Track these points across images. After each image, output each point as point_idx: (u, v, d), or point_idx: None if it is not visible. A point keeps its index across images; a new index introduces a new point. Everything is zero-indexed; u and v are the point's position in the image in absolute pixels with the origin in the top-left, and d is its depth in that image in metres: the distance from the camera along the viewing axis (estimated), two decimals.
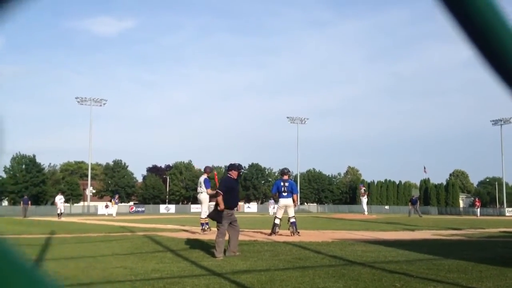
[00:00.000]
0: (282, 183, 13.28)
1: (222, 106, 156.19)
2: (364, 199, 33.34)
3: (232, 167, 9.71)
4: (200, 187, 14.47)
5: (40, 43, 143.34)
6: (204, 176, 14.50)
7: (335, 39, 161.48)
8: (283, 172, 13.52)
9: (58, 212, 34.82)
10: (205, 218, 14.14)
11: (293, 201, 13.48)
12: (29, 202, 40.56)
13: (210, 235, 13.25)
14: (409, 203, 42.58)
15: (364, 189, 34.32)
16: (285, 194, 13.19)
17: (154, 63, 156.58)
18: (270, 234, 12.99)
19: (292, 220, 13.25)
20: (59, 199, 36.57)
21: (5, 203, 68.87)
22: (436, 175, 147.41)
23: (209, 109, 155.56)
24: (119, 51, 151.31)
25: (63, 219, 31.87)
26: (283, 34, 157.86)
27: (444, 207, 74.50)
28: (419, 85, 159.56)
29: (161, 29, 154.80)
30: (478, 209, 52.55)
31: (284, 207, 13.13)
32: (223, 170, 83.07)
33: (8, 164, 66.44)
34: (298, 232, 13.12)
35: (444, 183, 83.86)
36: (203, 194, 14.25)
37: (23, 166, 65.99)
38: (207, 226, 14.19)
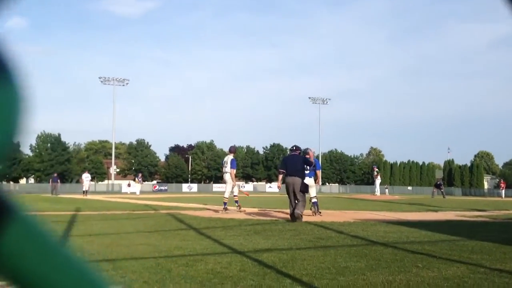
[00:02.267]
0: None
1: (244, 86, 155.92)
2: (378, 180, 33.37)
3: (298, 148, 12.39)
4: (225, 167, 14.56)
5: (64, 24, 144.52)
6: (231, 156, 14.57)
7: (358, 19, 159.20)
8: (305, 151, 12.58)
9: (84, 189, 35.54)
10: (228, 197, 14.27)
11: (316, 177, 13.35)
12: (59, 180, 41.21)
13: (232, 214, 13.36)
14: (434, 186, 42.26)
15: (377, 171, 34.24)
16: (307, 172, 12.47)
17: (176, 43, 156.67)
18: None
19: (314, 200, 13.24)
20: (86, 177, 37.29)
21: (31, 180, 70.30)
22: (461, 156, 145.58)
23: (231, 89, 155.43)
24: (141, 31, 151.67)
25: (88, 196, 32.44)
26: (303, 13, 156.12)
27: (468, 188, 73.69)
28: (443, 65, 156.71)
29: (182, 9, 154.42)
30: (503, 191, 51.93)
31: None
32: (245, 151, 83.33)
33: (33, 143, 67.69)
34: (320, 212, 13.13)
35: (469, 164, 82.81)
36: (228, 174, 14.36)
37: (49, 145, 67.15)
38: (237, 204, 14.30)
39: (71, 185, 59.79)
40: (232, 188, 14.44)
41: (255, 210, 15.39)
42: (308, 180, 12.45)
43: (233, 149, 15.21)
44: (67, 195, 36.96)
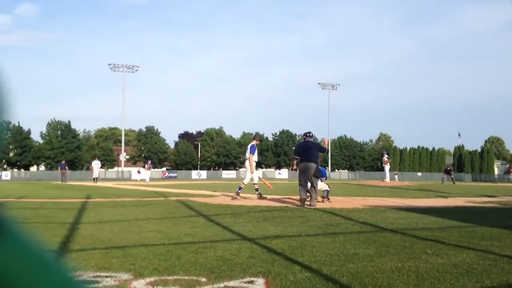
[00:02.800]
0: None
1: (253, 72, 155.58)
2: (387, 167, 33.21)
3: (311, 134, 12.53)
4: (245, 153, 14.65)
5: (73, 10, 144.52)
6: (252, 143, 14.55)
7: (367, 3, 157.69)
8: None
9: (94, 176, 35.78)
10: (246, 184, 14.20)
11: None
12: (67, 167, 41.45)
13: (241, 201, 13.38)
14: (443, 172, 42.08)
15: (387, 157, 34.05)
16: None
17: (184, 30, 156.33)
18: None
19: (326, 188, 13.26)
20: (96, 164, 37.50)
21: (42, 168, 70.83)
22: (471, 141, 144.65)
23: (240, 75, 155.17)
24: (150, 17, 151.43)
25: (98, 183, 32.66)
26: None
27: (479, 174, 73.25)
28: (453, 50, 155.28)
29: None
30: None
31: None
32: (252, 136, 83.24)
33: (44, 130, 68.11)
34: (329, 199, 13.12)
35: (479, 149, 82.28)
36: (247, 161, 14.36)
37: (59, 132, 67.47)
38: (257, 192, 14.20)
39: (81, 172, 60.21)
40: (252, 174, 14.20)
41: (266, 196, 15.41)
42: (319, 184, 12.59)
43: (257, 137, 15.25)
44: (77, 182, 37.26)
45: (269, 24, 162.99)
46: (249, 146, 14.42)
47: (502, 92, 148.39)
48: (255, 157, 14.06)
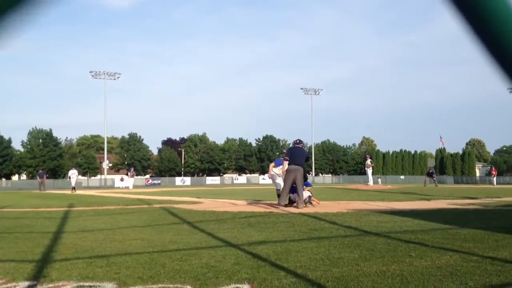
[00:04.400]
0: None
1: (236, 79, 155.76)
2: (370, 170, 33.48)
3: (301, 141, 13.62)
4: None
5: (54, 18, 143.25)
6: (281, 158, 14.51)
7: (346, 11, 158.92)
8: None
9: (72, 185, 34.82)
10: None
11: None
12: (45, 176, 40.92)
13: (227, 207, 13.33)
14: (426, 175, 42.48)
15: (370, 161, 34.33)
16: None
17: (166, 38, 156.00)
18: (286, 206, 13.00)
19: (308, 194, 13.36)
20: (72, 173, 36.47)
21: (23, 177, 69.96)
22: (452, 144, 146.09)
23: (223, 82, 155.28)
24: (131, 25, 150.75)
25: (77, 192, 32.08)
26: (294, 7, 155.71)
27: (460, 176, 74.10)
28: (433, 54, 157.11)
29: (174, 2, 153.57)
30: (495, 178, 52.30)
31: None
32: (237, 143, 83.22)
33: (25, 139, 67.32)
34: (311, 203, 13.18)
35: (461, 152, 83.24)
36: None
37: (40, 141, 66.77)
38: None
39: (63, 181, 59.51)
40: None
41: (249, 202, 15.41)
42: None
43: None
44: (58, 191, 36.81)
45: (251, 31, 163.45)
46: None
47: (482, 95, 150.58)
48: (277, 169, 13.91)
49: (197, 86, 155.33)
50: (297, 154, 12.86)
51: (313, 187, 14.61)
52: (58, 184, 51.65)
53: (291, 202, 12.90)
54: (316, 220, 9.30)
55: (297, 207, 12.18)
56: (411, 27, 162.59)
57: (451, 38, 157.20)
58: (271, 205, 13.40)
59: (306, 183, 13.36)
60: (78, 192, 32.86)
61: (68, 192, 32.87)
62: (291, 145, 14.60)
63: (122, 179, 49.14)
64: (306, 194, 13.17)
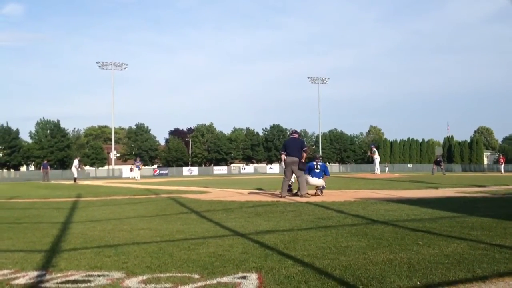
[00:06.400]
0: (315, 163, 13.57)
1: (242, 68, 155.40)
2: (377, 159, 33.60)
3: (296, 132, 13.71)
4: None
5: (60, 9, 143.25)
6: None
7: None
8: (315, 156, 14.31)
9: (74, 176, 35.11)
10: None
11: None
12: (49, 167, 41.56)
13: (237, 196, 13.36)
14: (433, 163, 42.32)
15: (374, 151, 34.31)
16: (317, 171, 13.38)
17: (171, 27, 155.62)
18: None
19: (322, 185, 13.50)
20: (74, 164, 36.72)
21: (31, 168, 70.36)
22: (461, 132, 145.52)
23: (229, 72, 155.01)
24: (137, 15, 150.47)
25: (83, 182, 32.19)
26: None
27: (468, 164, 73.73)
28: (442, 41, 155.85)
29: None
30: (503, 166, 52.03)
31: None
32: (244, 132, 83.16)
33: (33, 130, 67.61)
34: (322, 192, 13.23)
35: (468, 140, 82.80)
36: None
37: (48, 131, 66.99)
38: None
39: (71, 172, 59.79)
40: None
41: (256, 191, 15.43)
42: (317, 181, 13.30)
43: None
44: (64, 181, 36.99)
45: (255, 20, 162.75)
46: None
47: (491, 83, 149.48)
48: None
49: (204, 76, 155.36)
50: (292, 147, 12.99)
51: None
52: (66, 175, 51.86)
53: (294, 194, 13.12)
54: (323, 209, 9.30)
55: (301, 195, 12.40)
56: (417, 13, 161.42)
57: (458, 24, 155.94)
58: (276, 195, 13.41)
59: (325, 173, 13.62)
60: (86, 182, 32.98)
61: (77, 182, 33.01)
62: (288, 136, 14.70)
63: (131, 169, 49.25)
64: (320, 182, 13.35)
